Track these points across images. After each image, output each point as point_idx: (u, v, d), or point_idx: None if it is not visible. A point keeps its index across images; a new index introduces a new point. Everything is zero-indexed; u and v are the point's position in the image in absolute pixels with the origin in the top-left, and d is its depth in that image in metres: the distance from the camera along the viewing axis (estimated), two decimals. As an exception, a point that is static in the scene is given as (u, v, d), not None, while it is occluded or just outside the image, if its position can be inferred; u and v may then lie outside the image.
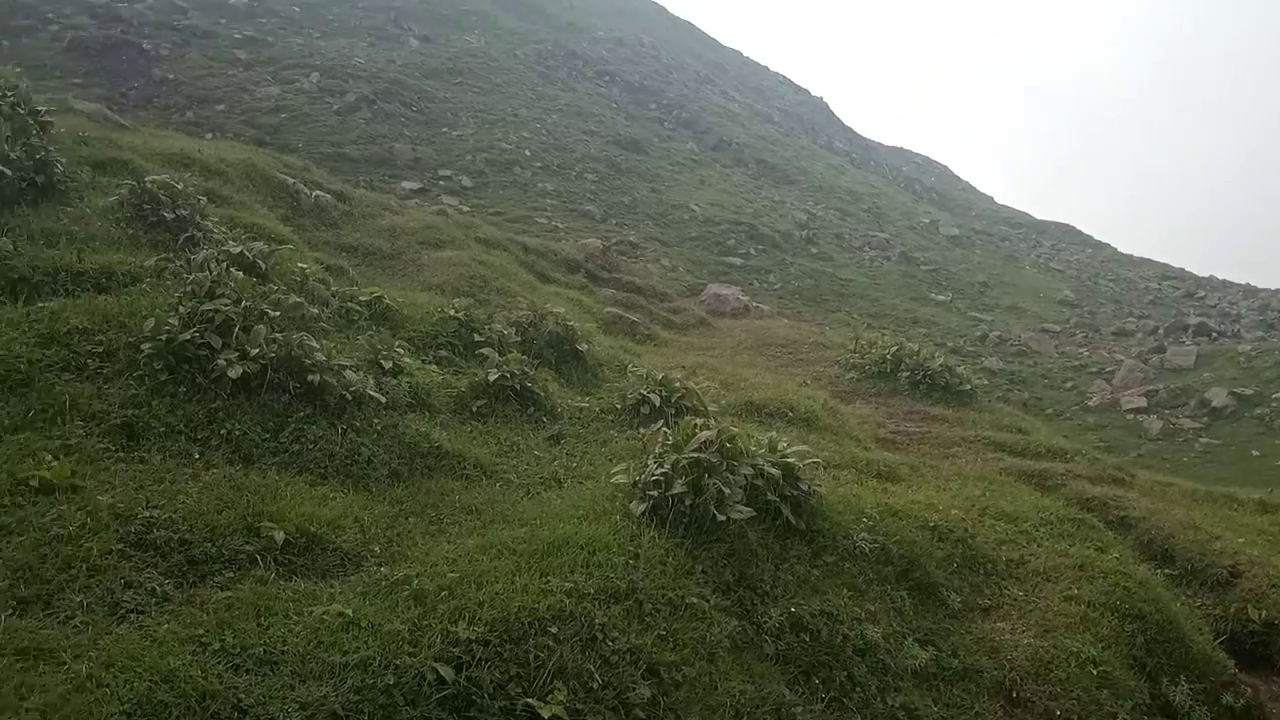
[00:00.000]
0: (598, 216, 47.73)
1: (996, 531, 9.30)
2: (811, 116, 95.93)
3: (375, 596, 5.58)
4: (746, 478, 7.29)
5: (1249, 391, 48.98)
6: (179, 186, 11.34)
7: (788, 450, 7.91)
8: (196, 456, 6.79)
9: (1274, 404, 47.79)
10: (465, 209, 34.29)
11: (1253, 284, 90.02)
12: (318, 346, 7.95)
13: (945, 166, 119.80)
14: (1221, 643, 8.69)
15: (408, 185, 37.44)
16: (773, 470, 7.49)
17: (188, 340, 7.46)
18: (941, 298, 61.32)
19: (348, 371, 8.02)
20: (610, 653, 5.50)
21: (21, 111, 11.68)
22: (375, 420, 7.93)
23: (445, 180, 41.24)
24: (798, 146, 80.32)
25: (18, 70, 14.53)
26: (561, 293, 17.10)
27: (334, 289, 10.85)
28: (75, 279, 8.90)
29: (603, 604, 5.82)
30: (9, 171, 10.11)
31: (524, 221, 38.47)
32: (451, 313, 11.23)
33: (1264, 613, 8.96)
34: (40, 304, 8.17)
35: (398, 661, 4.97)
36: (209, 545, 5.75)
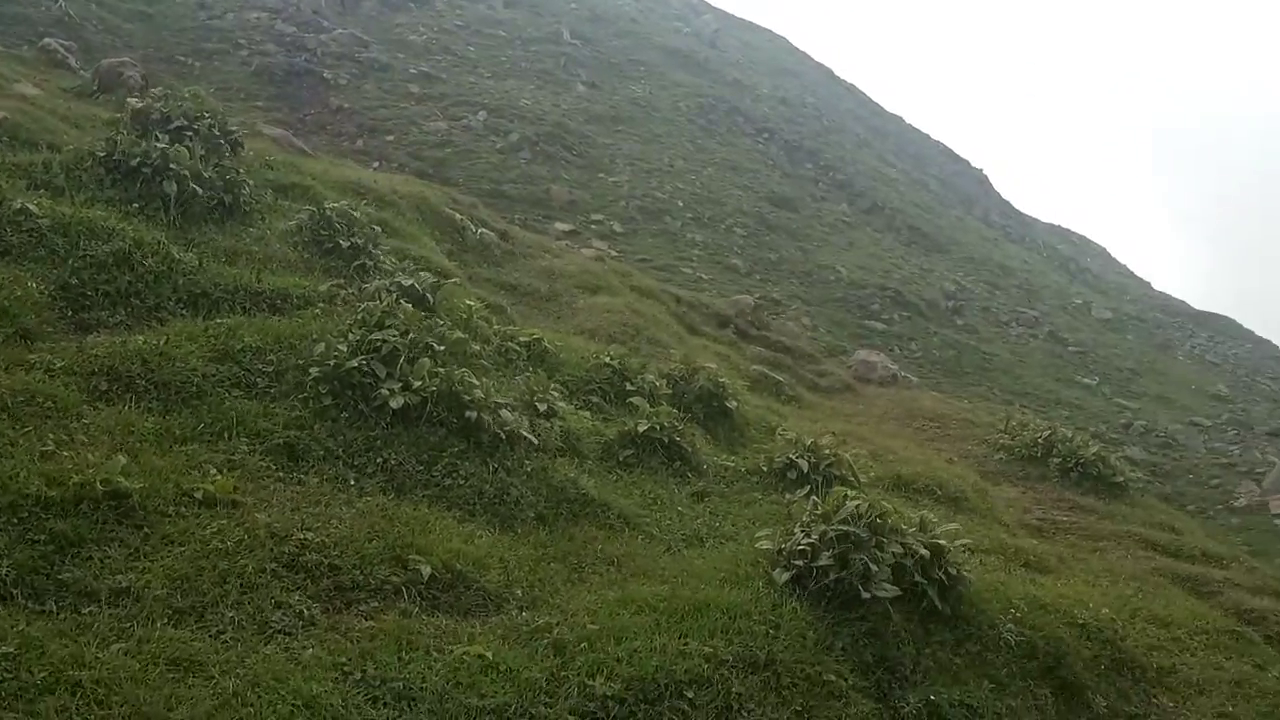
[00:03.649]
0: (743, 270, 47.73)
1: (1148, 636, 8.94)
2: (968, 187, 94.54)
3: (515, 641, 5.61)
4: (895, 555, 7.13)
5: None
6: (356, 215, 11.72)
7: (938, 530, 7.73)
8: (352, 482, 6.94)
9: None
10: (614, 254, 34.64)
11: None
12: (477, 384, 8.09)
13: (1103, 248, 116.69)
14: (1384, 780, 8.19)
15: (560, 226, 38.01)
16: (922, 550, 7.32)
17: (354, 367, 7.66)
18: (1088, 381, 59.55)
19: (504, 410, 8.14)
20: (743, 725, 5.43)
21: (216, 133, 12.23)
22: (526, 461, 8.01)
23: (597, 224, 41.76)
24: (952, 216, 79.22)
25: (211, 91, 15.21)
26: (710, 346, 17.12)
27: (495, 327, 11.04)
28: (252, 298, 9.22)
29: (740, 673, 5.76)
30: (201, 190, 10.57)
31: (669, 270, 38.69)
32: (606, 359, 11.32)
33: None
34: (218, 320, 8.49)
35: (533, 710, 4.98)
36: (357, 573, 5.86)
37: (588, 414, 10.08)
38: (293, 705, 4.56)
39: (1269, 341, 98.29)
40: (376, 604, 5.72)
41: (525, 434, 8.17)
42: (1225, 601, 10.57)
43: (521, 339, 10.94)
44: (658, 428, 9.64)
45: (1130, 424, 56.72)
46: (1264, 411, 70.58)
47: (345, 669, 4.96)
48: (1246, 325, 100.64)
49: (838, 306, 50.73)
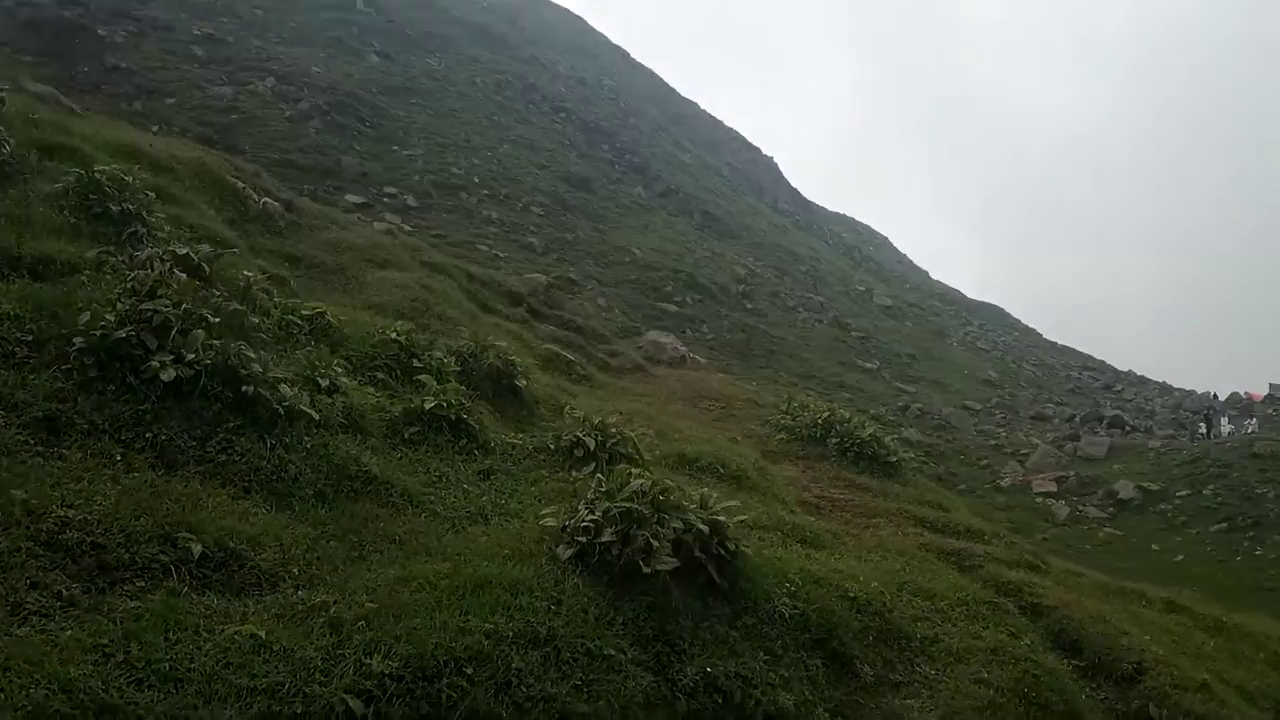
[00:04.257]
0: (539, 249, 47.78)
1: (914, 607, 9.35)
2: (760, 175, 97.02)
3: (290, 620, 5.46)
4: (676, 531, 7.26)
5: (1155, 487, 50.15)
6: (128, 180, 11.13)
7: (718, 507, 7.90)
8: (119, 458, 6.60)
9: (1177, 501, 48.92)
10: (407, 228, 34.10)
11: (1169, 383, 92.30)
12: (255, 357, 7.81)
13: (885, 237, 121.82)
14: (1122, 739, 8.81)
15: (352, 199, 37.19)
16: (702, 526, 7.47)
17: (123, 338, 7.27)
18: (869, 365, 62.15)
19: (283, 385, 7.89)
20: (524, 699, 5.43)
21: (-28, 85, 11.44)
22: (306, 438, 7.79)
23: (390, 198, 41.04)
24: (744, 203, 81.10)
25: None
26: (502, 325, 17.03)
27: (276, 300, 10.68)
28: (11, 263, 8.67)
29: (521, 648, 5.75)
30: (-47, 144, 9.88)
31: (465, 247, 38.35)
32: (393, 335, 11.11)
33: (1164, 712, 9.09)
34: (-29, 284, 7.95)
35: (308, 690, 4.86)
36: (122, 551, 5.59)
37: (373, 390, 9.88)
38: (48, 689, 4.32)
39: (1034, 330, 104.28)
40: (143, 584, 5.47)
41: (306, 409, 7.94)
42: (985, 575, 11.14)
43: (304, 312, 10.62)
44: (445, 405, 9.53)
45: (908, 407, 59.52)
46: (1028, 396, 75.02)
47: (107, 651, 4.73)
48: (1014, 314, 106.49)
49: (633, 288, 51.33)
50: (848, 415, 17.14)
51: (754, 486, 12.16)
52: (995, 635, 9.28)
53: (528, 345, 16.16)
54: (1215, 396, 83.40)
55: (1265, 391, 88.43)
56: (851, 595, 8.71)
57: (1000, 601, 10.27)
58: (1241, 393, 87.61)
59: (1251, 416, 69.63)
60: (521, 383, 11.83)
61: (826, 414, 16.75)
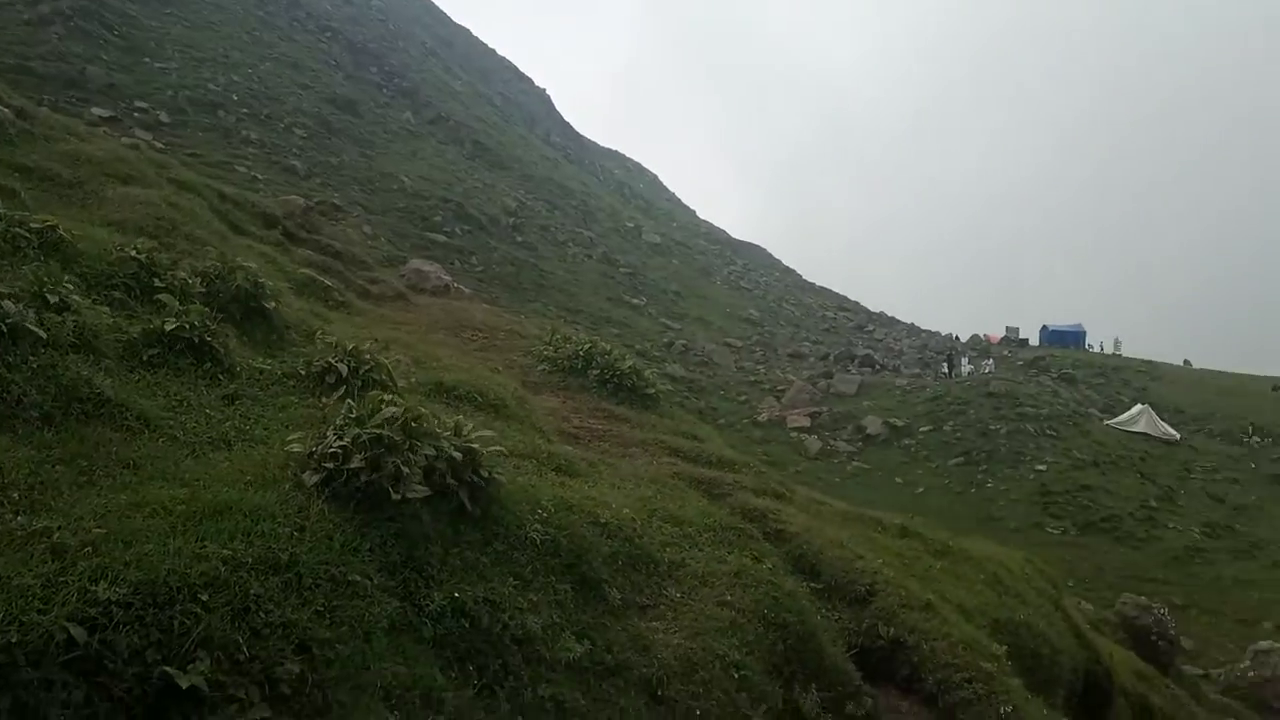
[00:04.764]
0: (302, 173, 46.21)
1: (663, 533, 9.58)
2: (532, 106, 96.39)
3: (8, 547, 5.16)
4: (428, 458, 7.19)
5: (900, 423, 53.02)
6: None
7: (472, 435, 7.87)
8: None
9: (920, 436, 51.89)
10: (159, 145, 32.37)
11: (917, 324, 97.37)
12: (-27, 270, 7.29)
13: (655, 175, 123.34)
14: (853, 655, 9.30)
15: (98, 111, 35.01)
16: (455, 454, 7.43)
17: None
18: (636, 301, 63.10)
19: (6, 301, 7.38)
20: (262, 625, 5.31)
21: None
22: (32, 358, 7.32)
23: (140, 113, 38.81)
24: (515, 134, 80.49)
25: None
26: (255, 247, 16.36)
27: (1, 211, 9.95)
28: None
29: (260, 575, 5.61)
30: None
31: (222, 167, 36.72)
32: (132, 253, 10.50)
33: (892, 630, 9.66)
34: None
35: (25, 618, 4.61)
36: None
37: (109, 310, 9.32)
38: None
39: (795, 271, 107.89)
40: None
41: (31, 328, 7.45)
42: (734, 502, 11.51)
43: (34, 225, 9.94)
44: (187, 327, 9.11)
45: (673, 343, 60.67)
46: (787, 335, 77.60)
47: None
48: (776, 255, 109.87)
49: (400, 216, 50.34)
50: (609, 347, 17.32)
51: (512, 416, 12.16)
52: (740, 560, 9.61)
53: (282, 269, 15.59)
54: (956, 338, 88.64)
55: (1002, 334, 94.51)
56: (603, 522, 8.85)
57: (746, 528, 10.64)
58: (981, 335, 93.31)
59: (989, 357, 74.35)
60: (271, 306, 11.41)
61: (588, 346, 16.89)
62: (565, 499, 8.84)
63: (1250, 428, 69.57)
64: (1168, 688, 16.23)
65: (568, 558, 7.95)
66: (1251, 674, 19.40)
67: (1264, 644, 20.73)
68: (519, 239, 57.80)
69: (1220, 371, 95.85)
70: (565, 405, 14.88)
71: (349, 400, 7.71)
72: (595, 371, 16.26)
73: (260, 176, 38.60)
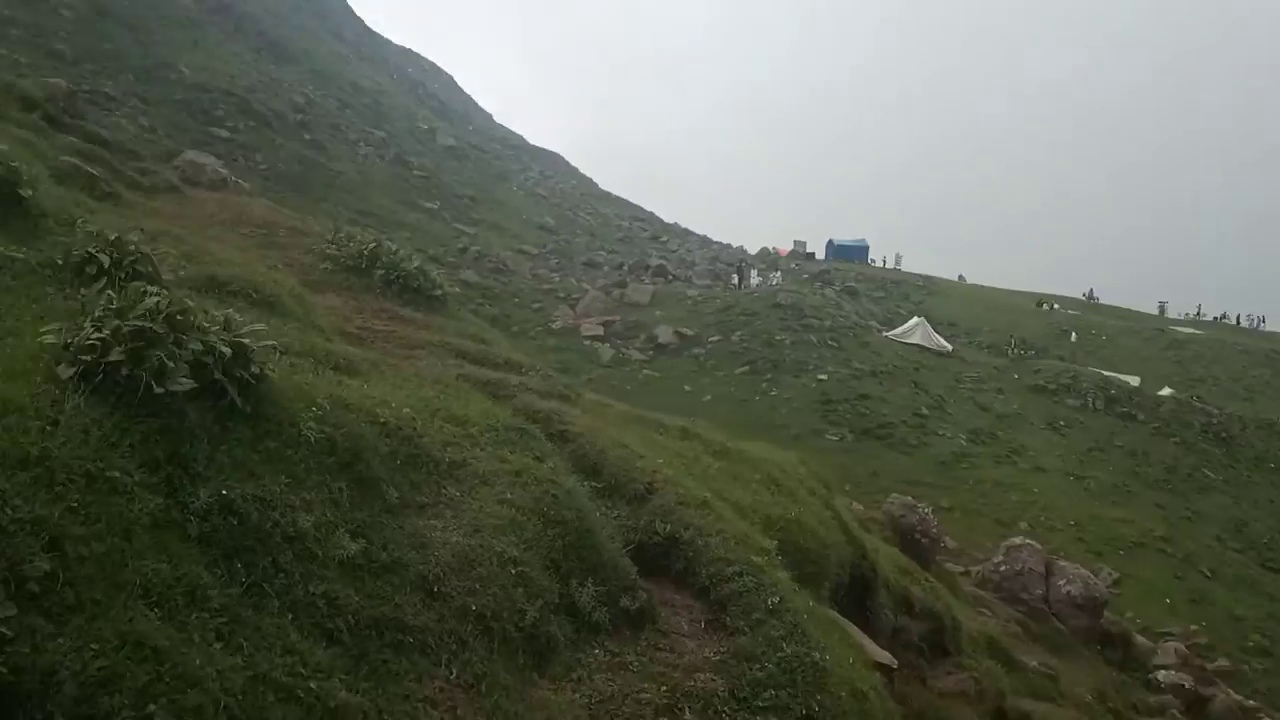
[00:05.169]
0: (70, 58, 43.30)
1: (445, 433, 9.53)
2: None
3: None
4: (195, 353, 6.91)
5: (690, 332, 54.10)
6: None
7: (244, 330, 7.61)
8: None
9: (710, 345, 53.10)
10: (-97, 20, 29.76)
11: (709, 236, 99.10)
12: None
13: (451, 76, 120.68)
14: (630, 551, 9.50)
15: None
16: (225, 349, 7.16)
17: None
18: (430, 205, 62.00)
19: None
20: (9, 522, 5.05)
21: None
22: None
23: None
24: (304, 27, 77.32)
25: None
26: (10, 130, 15.24)
27: None
28: None
29: (7, 470, 5.33)
30: None
31: (-22, 48, 34.08)
32: None
33: (668, 527, 9.90)
34: None
35: None
36: None
37: None
38: None
39: (592, 180, 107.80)
40: None
41: None
42: (518, 404, 11.53)
43: None
44: (-72, 211, 8.50)
45: (467, 249, 60.06)
46: (582, 243, 77.75)
47: None
48: (574, 163, 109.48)
49: (179, 109, 47.93)
50: (395, 247, 16.95)
51: (289, 313, 11.80)
52: (521, 459, 9.66)
53: (41, 155, 14.55)
54: (746, 251, 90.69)
55: (790, 248, 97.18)
56: (382, 421, 8.75)
57: (529, 428, 10.68)
58: (770, 248, 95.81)
59: (777, 270, 76.37)
60: (27, 193, 10.68)
61: (373, 245, 16.47)
62: (343, 398, 8.68)
63: (1013, 340, 74.01)
64: (927, 581, 17.20)
65: (344, 456, 7.82)
66: (1003, 568, 20.76)
67: (1015, 540, 22.22)
68: (307, 137, 55.84)
69: (990, 287, 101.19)
70: (348, 305, 14.54)
71: (109, 292, 7.34)
72: (380, 271, 15.88)
73: (23, 60, 35.99)
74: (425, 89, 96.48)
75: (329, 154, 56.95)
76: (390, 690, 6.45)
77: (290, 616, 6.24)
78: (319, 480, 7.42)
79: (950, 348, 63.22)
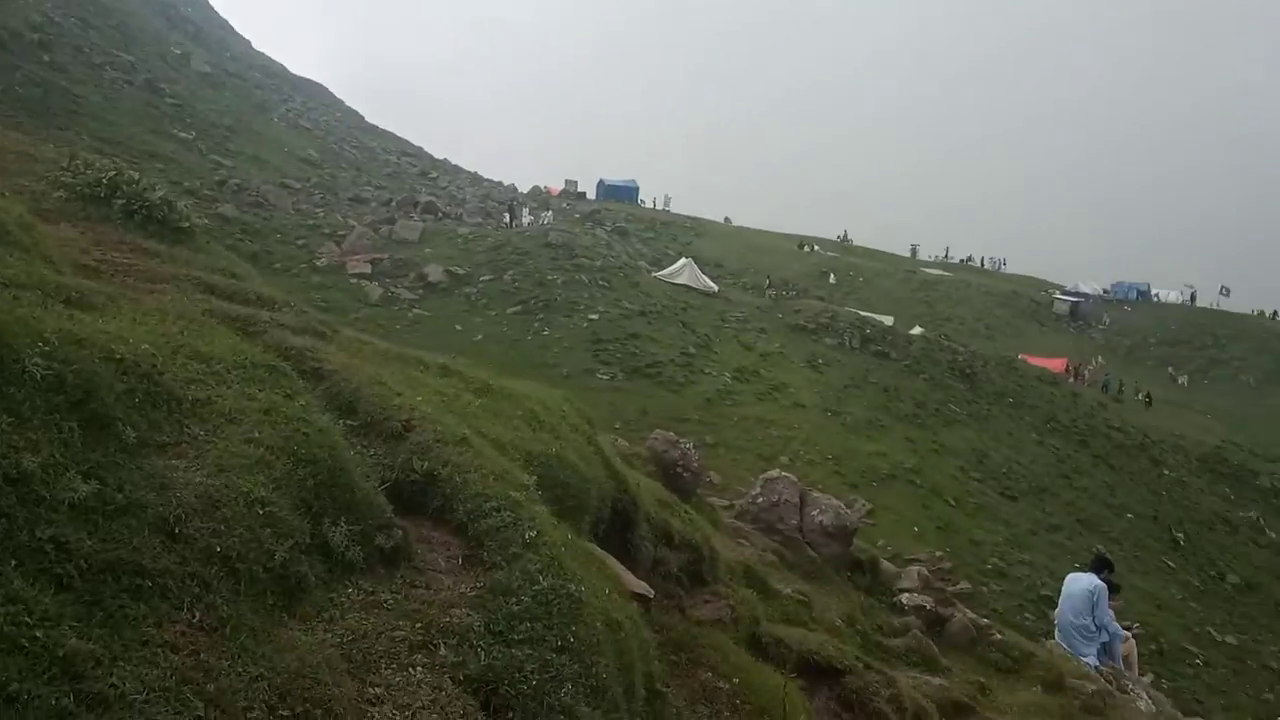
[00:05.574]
0: None
1: (188, 370, 9.10)
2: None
3: None
4: (-105, 283, 6.40)
5: (462, 271, 53.54)
6: None
7: (-44, 261, 7.08)
8: None
9: (481, 284, 52.69)
10: None
11: (480, 173, 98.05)
12: None
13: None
14: (386, 489, 9.34)
15: None
16: (-68, 279, 6.66)
17: None
18: (184, 135, 59.08)
19: None
20: None
21: None
22: None
23: None
24: (37, -64, 72.00)
25: None
26: None
27: None
28: None
29: None
30: None
31: None
32: None
33: (426, 464, 9.76)
34: None
35: None
36: None
37: None
38: None
39: (357, 112, 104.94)
40: None
41: None
42: (269, 340, 11.08)
43: None
44: None
45: (225, 181, 57.57)
46: (348, 178, 75.72)
47: None
48: (338, 94, 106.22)
49: (-108, 22, 43.83)
50: (137, 176, 15.96)
51: (15, 243, 10.99)
52: (271, 397, 9.32)
53: None
54: (517, 189, 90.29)
55: (561, 187, 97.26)
56: (119, 357, 8.29)
57: (280, 365, 10.29)
58: (542, 187, 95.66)
59: (548, 209, 76.40)
60: None
61: (113, 173, 15.47)
62: (74, 333, 8.18)
63: (770, 279, 76.41)
64: (688, 514, 17.56)
65: (75, 394, 7.38)
66: (761, 499, 21.37)
67: (772, 473, 22.92)
68: (46, 59, 52.22)
69: (756, 229, 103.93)
70: (84, 237, 13.65)
71: None
72: (121, 201, 14.91)
73: None
74: (177, 11, 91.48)
75: (71, 77, 53.47)
76: (127, 635, 6.16)
77: (14, 563, 5.89)
78: (47, 420, 6.98)
79: (716, 288, 64.77)
